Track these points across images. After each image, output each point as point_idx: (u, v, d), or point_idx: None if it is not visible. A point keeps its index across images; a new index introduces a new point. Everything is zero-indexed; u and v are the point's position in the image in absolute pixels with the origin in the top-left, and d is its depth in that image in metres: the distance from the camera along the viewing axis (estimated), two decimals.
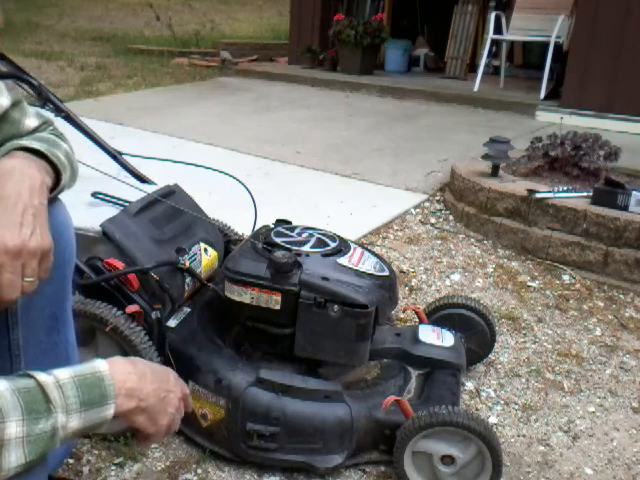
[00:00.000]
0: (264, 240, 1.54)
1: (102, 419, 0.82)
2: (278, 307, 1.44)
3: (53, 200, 1.05)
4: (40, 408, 0.75)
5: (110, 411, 0.83)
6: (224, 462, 1.48)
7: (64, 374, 0.80)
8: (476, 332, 1.82)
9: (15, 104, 1.10)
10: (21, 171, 0.94)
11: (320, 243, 1.56)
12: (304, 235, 1.59)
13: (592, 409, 1.77)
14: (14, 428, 0.73)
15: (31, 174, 0.95)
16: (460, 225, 3.04)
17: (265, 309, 1.45)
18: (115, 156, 1.98)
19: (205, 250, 1.71)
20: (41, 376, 0.78)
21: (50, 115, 1.87)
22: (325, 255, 1.51)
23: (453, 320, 1.80)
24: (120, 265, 1.48)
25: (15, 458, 0.73)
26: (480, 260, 2.69)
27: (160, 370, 0.96)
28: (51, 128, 1.16)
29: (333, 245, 1.56)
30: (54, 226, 0.99)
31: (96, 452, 1.49)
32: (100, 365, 0.84)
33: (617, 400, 1.82)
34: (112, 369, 0.85)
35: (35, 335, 1.07)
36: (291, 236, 1.58)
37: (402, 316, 2.17)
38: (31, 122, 1.12)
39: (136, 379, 0.87)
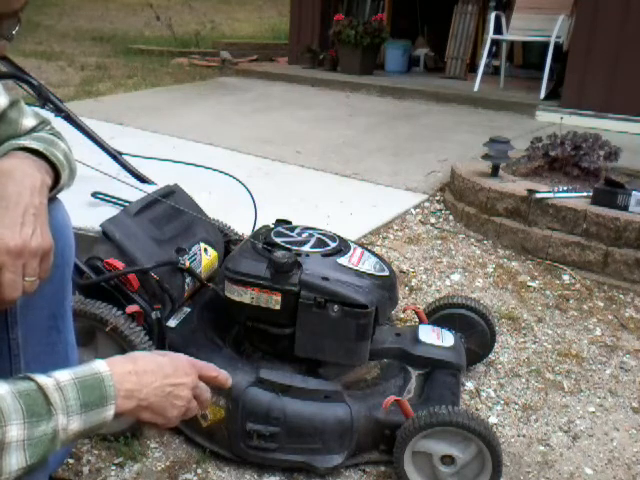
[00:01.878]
0: (264, 240, 1.54)
1: (102, 420, 0.82)
2: (278, 307, 1.44)
3: (52, 200, 1.05)
4: (41, 411, 0.75)
5: (110, 412, 0.82)
6: (224, 462, 1.48)
7: (64, 376, 0.80)
8: (476, 332, 1.82)
9: (13, 104, 1.10)
10: (22, 171, 0.94)
11: (320, 243, 1.56)
12: (304, 235, 1.59)
13: (592, 409, 1.77)
14: (15, 431, 0.72)
15: (31, 174, 0.95)
16: (460, 225, 3.04)
17: (265, 309, 1.45)
18: (115, 156, 1.98)
19: (205, 250, 1.71)
20: (41, 379, 0.77)
21: (50, 115, 1.88)
22: (325, 255, 1.51)
23: (453, 320, 1.80)
24: (120, 265, 1.48)
25: (16, 461, 0.72)
26: (480, 260, 2.69)
27: (166, 363, 0.93)
28: (48, 128, 1.16)
29: (333, 245, 1.56)
30: (53, 226, 0.99)
31: (96, 452, 1.49)
32: (100, 366, 0.83)
33: (617, 400, 1.82)
34: (112, 369, 0.84)
35: (35, 335, 1.07)
36: (291, 236, 1.58)
37: (402, 316, 2.17)
38: (28, 122, 1.12)
39: (135, 379, 0.86)
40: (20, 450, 0.73)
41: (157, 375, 0.89)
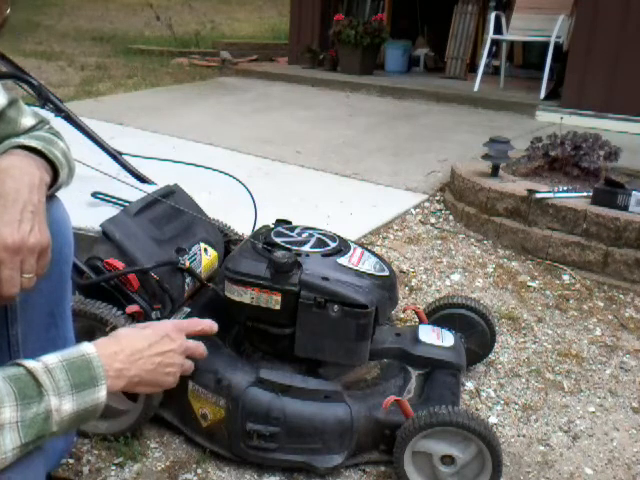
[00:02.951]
0: (264, 240, 1.54)
1: (96, 401, 0.83)
2: (278, 307, 1.44)
3: (50, 198, 1.05)
4: (32, 393, 0.77)
5: (102, 392, 0.84)
6: (224, 462, 1.48)
7: (52, 359, 0.82)
8: (476, 332, 1.82)
9: (11, 103, 1.10)
10: (20, 168, 0.96)
11: (320, 243, 1.56)
12: (304, 235, 1.59)
13: (592, 409, 1.77)
14: (8, 413, 0.75)
15: (30, 172, 0.96)
16: (460, 225, 3.04)
17: (265, 309, 1.44)
18: (115, 156, 1.98)
19: (205, 250, 1.71)
20: (29, 363, 0.79)
21: (50, 115, 1.87)
22: (325, 255, 1.51)
23: (453, 320, 1.80)
24: (120, 265, 1.48)
25: (10, 441, 0.75)
26: (480, 260, 2.69)
27: (150, 334, 0.94)
28: (47, 127, 1.16)
29: (333, 245, 1.55)
30: (51, 224, 1.00)
31: (96, 452, 1.49)
32: (87, 348, 0.85)
33: (617, 400, 1.82)
34: (98, 351, 0.86)
35: (34, 331, 1.08)
36: (291, 236, 1.57)
37: (402, 316, 2.17)
38: (27, 121, 1.12)
39: (122, 358, 0.88)
40: (14, 431, 0.75)
41: (143, 349, 0.91)
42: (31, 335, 1.07)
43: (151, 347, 0.92)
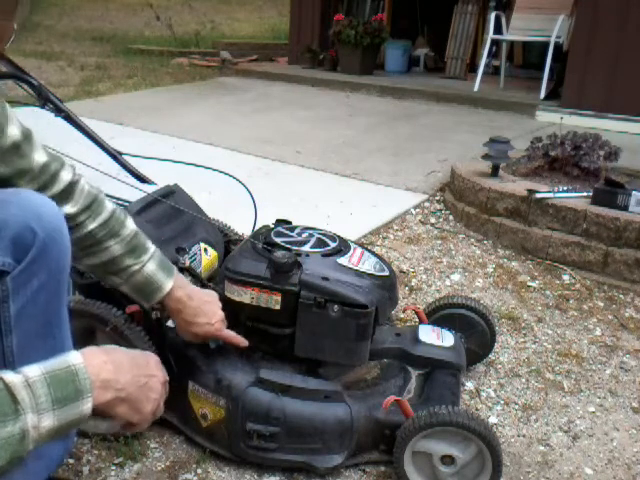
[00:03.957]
0: (264, 240, 1.54)
1: (79, 414, 0.79)
2: (278, 307, 1.44)
3: (45, 202, 1.04)
4: (7, 410, 0.72)
5: (88, 405, 0.80)
6: (224, 462, 1.48)
7: (34, 372, 0.77)
8: (476, 332, 1.82)
9: (26, 137, 1.09)
10: (195, 290, 1.37)
11: (320, 243, 1.56)
12: (304, 235, 1.59)
13: (592, 409, 1.77)
14: None
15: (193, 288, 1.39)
16: (460, 225, 3.04)
17: (265, 309, 1.44)
18: (115, 156, 1.98)
19: (205, 250, 1.71)
20: (8, 376, 0.74)
21: (50, 115, 1.87)
22: (325, 255, 1.51)
23: (453, 320, 1.80)
24: None
25: None
26: (480, 260, 2.69)
27: (139, 356, 0.94)
28: (72, 181, 1.18)
29: (333, 245, 1.55)
30: (48, 231, 0.99)
31: (96, 452, 1.49)
32: (73, 358, 0.81)
33: (617, 400, 1.82)
34: (86, 361, 0.82)
35: (30, 341, 1.05)
36: (291, 236, 1.57)
37: (402, 316, 2.17)
38: (40, 157, 1.11)
39: (112, 369, 0.85)
40: None
41: (131, 365, 0.89)
42: (28, 345, 1.04)
43: (140, 367, 0.91)
